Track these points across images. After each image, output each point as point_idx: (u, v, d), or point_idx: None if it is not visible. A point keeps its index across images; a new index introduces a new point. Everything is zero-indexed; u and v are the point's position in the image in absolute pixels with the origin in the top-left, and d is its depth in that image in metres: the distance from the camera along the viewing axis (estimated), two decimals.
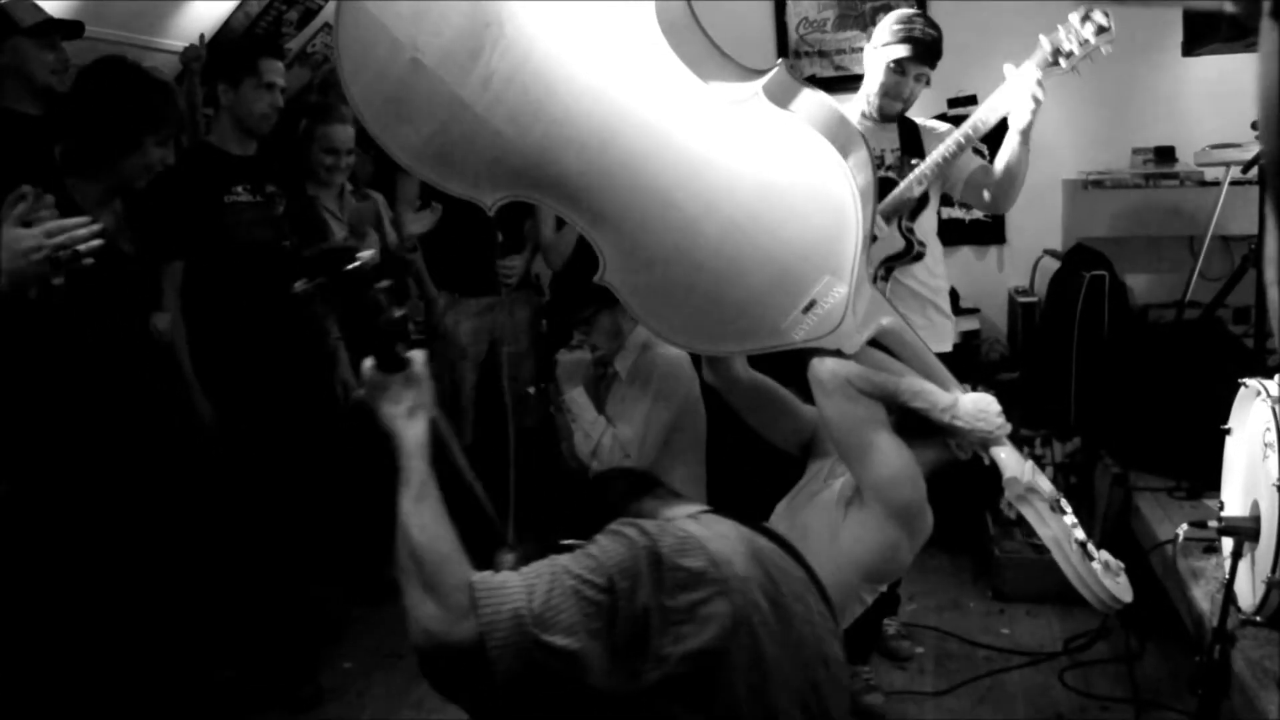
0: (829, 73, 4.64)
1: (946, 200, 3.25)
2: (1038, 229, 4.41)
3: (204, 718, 2.95)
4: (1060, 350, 3.83)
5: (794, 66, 2.89)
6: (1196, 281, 3.76)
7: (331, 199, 3.49)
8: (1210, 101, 4.19)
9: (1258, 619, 2.29)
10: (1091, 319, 3.76)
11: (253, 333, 2.96)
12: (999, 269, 4.65)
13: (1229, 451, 2.55)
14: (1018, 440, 2.15)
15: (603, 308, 2.71)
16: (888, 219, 2.81)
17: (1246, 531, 2.28)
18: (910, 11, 2.95)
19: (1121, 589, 2.01)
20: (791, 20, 4.71)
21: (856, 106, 2.92)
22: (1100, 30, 2.51)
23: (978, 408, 2.07)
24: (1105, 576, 1.99)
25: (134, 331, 2.67)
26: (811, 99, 2.04)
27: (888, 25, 2.86)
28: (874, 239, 2.76)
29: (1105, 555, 2.05)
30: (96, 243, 2.00)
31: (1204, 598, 2.48)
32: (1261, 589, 2.25)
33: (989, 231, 4.56)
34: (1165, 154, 4.23)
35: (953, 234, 4.54)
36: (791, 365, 2.48)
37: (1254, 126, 3.10)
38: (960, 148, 2.72)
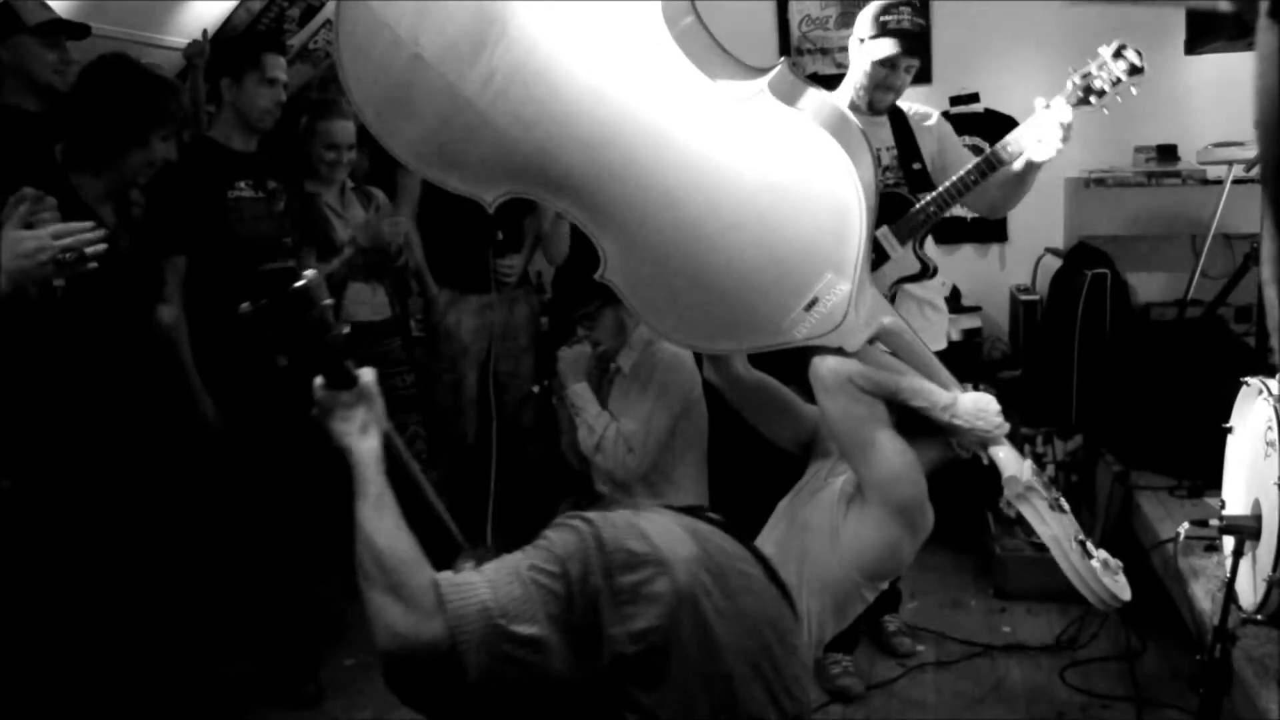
0: (831, 70, 4.63)
1: None
2: (1039, 227, 4.40)
3: (206, 714, 2.95)
4: (1062, 348, 3.83)
5: (796, 64, 2.89)
6: (1198, 280, 3.77)
7: (333, 195, 3.49)
8: (1213, 100, 4.19)
9: (1259, 617, 2.29)
10: (1093, 317, 3.76)
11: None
12: (1001, 267, 4.65)
13: (1230, 450, 2.55)
14: (1019, 438, 2.16)
15: (607, 304, 2.71)
16: (902, 240, 2.79)
17: (1248, 530, 2.28)
18: (898, 2, 2.80)
19: (1120, 587, 2.02)
20: (794, 18, 4.71)
21: (844, 97, 2.87)
22: (1133, 70, 2.50)
23: (977, 407, 2.07)
24: (1104, 575, 1.99)
25: (135, 328, 2.67)
26: (815, 97, 2.04)
27: (872, 17, 2.79)
28: (886, 258, 2.76)
29: (1104, 554, 2.05)
30: (101, 247, 2.00)
31: (1205, 596, 2.48)
32: (1263, 587, 2.25)
33: (991, 229, 4.56)
34: (1167, 152, 4.23)
35: (954, 232, 4.55)
36: (792, 364, 2.48)
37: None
38: (982, 175, 2.67)
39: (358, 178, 3.67)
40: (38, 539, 2.34)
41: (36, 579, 2.34)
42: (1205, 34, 3.69)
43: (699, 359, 2.59)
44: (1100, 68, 2.51)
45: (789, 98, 1.96)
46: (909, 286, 2.92)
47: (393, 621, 1.34)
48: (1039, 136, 2.54)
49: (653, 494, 2.74)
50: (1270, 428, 2.27)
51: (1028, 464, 2.08)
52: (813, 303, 2.00)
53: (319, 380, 1.55)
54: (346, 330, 1.54)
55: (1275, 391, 2.30)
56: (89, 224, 2.03)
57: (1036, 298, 4.26)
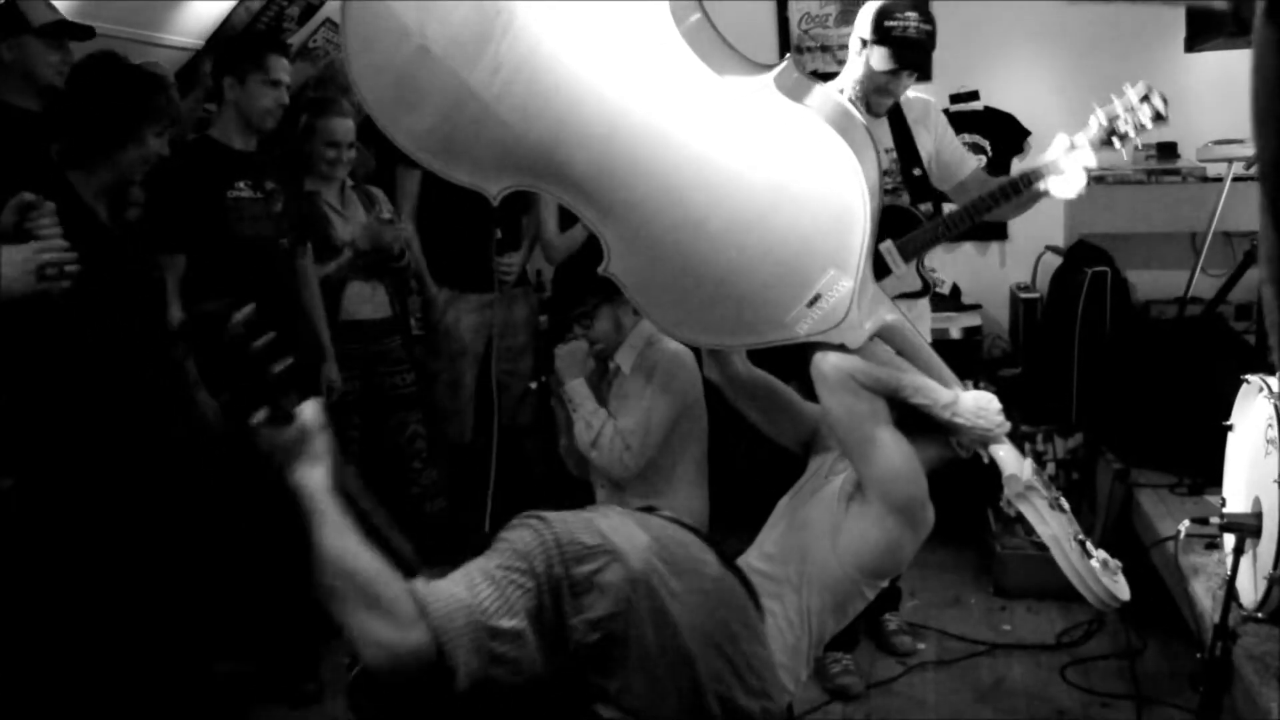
0: (832, 68, 4.62)
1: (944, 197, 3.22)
2: (1039, 225, 4.39)
3: (206, 713, 2.95)
4: (1062, 346, 3.82)
5: (798, 62, 2.85)
6: (1199, 278, 3.77)
7: (333, 194, 3.49)
8: (1213, 97, 4.18)
9: (1259, 615, 2.29)
10: (1093, 315, 3.76)
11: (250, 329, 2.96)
12: (1001, 265, 4.64)
13: (1231, 448, 2.55)
14: (1019, 436, 2.15)
15: (604, 301, 2.71)
16: (906, 257, 2.78)
17: (1248, 528, 2.28)
18: (903, 4, 2.68)
19: (1119, 587, 2.02)
20: (793, 16, 4.70)
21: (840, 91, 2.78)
22: (1157, 117, 2.50)
23: (978, 405, 2.07)
24: (1104, 575, 1.99)
25: (135, 328, 2.67)
26: (820, 93, 2.04)
27: (875, 19, 2.67)
28: (888, 273, 2.76)
29: (1103, 554, 2.05)
30: (74, 268, 2.02)
31: (1205, 594, 2.48)
32: (1263, 585, 2.25)
33: (991, 227, 4.55)
34: (1167, 150, 4.22)
35: None
36: (791, 361, 2.48)
37: None
38: (995, 202, 2.66)
39: (360, 177, 3.67)
40: (39, 537, 2.34)
41: (37, 577, 2.34)
42: (1205, 31, 3.68)
43: (699, 357, 2.58)
44: (1127, 110, 2.52)
45: (795, 94, 1.96)
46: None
47: (377, 635, 1.35)
48: (1064, 175, 2.55)
49: (652, 493, 2.74)
50: (1270, 425, 2.27)
51: (1028, 463, 2.08)
52: (815, 299, 2.00)
53: (260, 415, 1.54)
54: (285, 367, 1.54)
55: (1275, 389, 2.30)
56: (64, 244, 2.04)
57: (1037, 295, 4.25)
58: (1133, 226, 4.14)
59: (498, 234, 3.71)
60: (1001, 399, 2.13)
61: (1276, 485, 2.20)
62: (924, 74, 2.72)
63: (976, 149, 4.65)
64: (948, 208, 2.98)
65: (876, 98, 2.77)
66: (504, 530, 1.47)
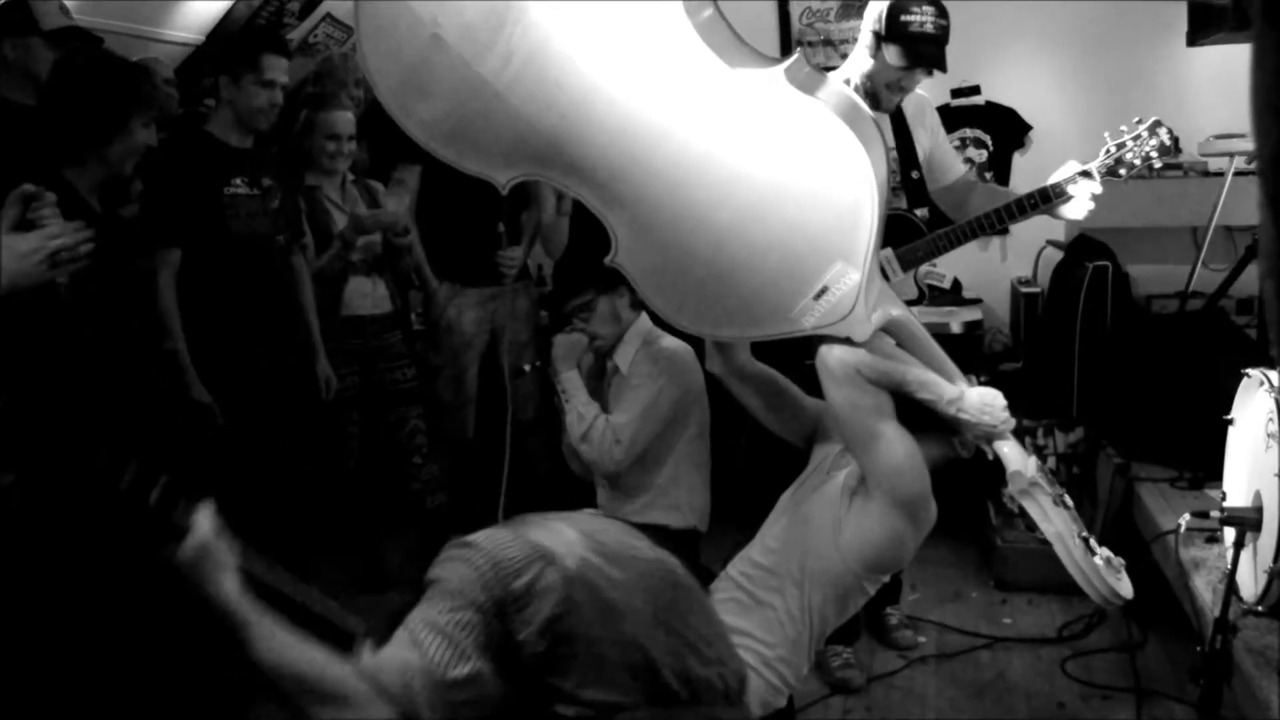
0: (835, 62, 4.63)
1: None
2: (1040, 219, 4.34)
3: (207, 712, 2.96)
4: (1063, 341, 3.82)
5: (807, 55, 2.81)
6: (1200, 272, 3.77)
7: (334, 189, 3.49)
8: (1214, 92, 4.18)
9: (1259, 609, 2.29)
10: (1094, 309, 3.75)
11: (248, 325, 2.97)
12: (1002, 259, 4.64)
13: (1231, 442, 2.55)
14: (1020, 431, 2.15)
15: (601, 293, 2.71)
16: (905, 267, 2.77)
17: (1249, 522, 2.29)
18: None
19: (1123, 585, 2.02)
20: (795, 11, 4.70)
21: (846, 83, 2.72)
22: (1164, 150, 2.55)
23: (983, 402, 2.07)
24: (1107, 572, 1.99)
25: (136, 326, 2.67)
26: (830, 87, 2.04)
27: (890, 13, 2.60)
28: (885, 280, 2.75)
29: (1107, 551, 2.05)
30: (88, 247, 2.00)
31: (1206, 588, 2.48)
32: (1263, 579, 2.25)
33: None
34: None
35: None
36: (792, 356, 2.48)
37: None
38: (1000, 220, 2.67)
39: (358, 171, 3.68)
40: (38, 534, 2.34)
41: (37, 575, 2.34)
42: (1207, 26, 3.68)
43: (700, 352, 2.58)
44: (1136, 141, 2.57)
45: (805, 87, 1.96)
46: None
47: None
48: (1073, 200, 2.60)
49: (651, 488, 2.75)
50: (1271, 419, 2.27)
51: (1032, 460, 2.07)
52: (822, 292, 2.00)
53: (161, 548, 1.56)
54: (159, 490, 1.54)
55: (1276, 383, 2.30)
56: (78, 223, 2.03)
57: (1038, 290, 4.25)
58: (1134, 221, 4.13)
59: (500, 227, 3.71)
60: (1002, 393, 2.13)
61: (1277, 479, 2.20)
62: (940, 68, 2.67)
63: (978, 143, 4.66)
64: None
65: (888, 93, 2.72)
66: (434, 568, 1.48)
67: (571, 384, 2.73)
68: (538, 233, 3.87)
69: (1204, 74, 4.25)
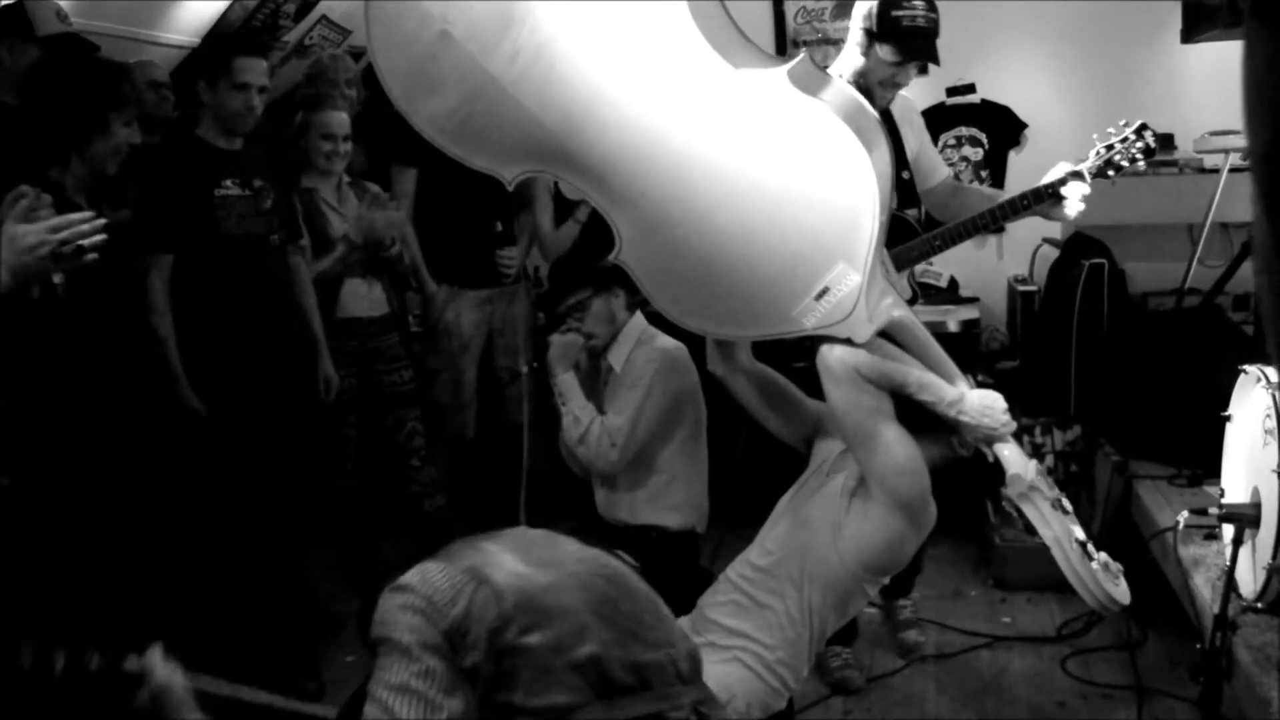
0: (834, 60, 4.62)
1: None
2: (1037, 217, 4.40)
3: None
4: (1060, 339, 3.83)
5: (811, 55, 2.75)
6: (1196, 269, 3.77)
7: (330, 190, 3.49)
8: (1209, 88, 4.18)
9: (1259, 605, 2.29)
10: (1091, 307, 3.76)
11: (243, 326, 2.97)
12: (998, 258, 4.65)
13: (1229, 438, 2.55)
14: (1017, 429, 2.15)
15: (596, 293, 2.71)
16: (899, 267, 2.76)
17: (1247, 518, 2.28)
18: None
19: (1120, 591, 2.01)
20: (790, 10, 4.70)
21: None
22: (1148, 152, 2.62)
23: (984, 404, 2.06)
24: (1104, 578, 1.98)
25: (132, 325, 2.67)
26: (834, 87, 2.04)
27: (882, 10, 2.60)
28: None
29: (1104, 557, 2.04)
30: (100, 237, 2.00)
31: (1205, 585, 2.48)
32: (1262, 575, 2.25)
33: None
34: (1164, 141, 4.21)
35: None
36: (784, 358, 2.48)
37: None
38: (994, 219, 2.67)
39: (354, 172, 3.67)
40: (36, 535, 2.34)
41: (34, 575, 2.34)
42: (1201, 22, 3.68)
43: (699, 352, 2.58)
44: (1124, 144, 2.62)
45: (808, 87, 1.96)
46: None
47: None
48: (1064, 201, 2.63)
49: (646, 488, 2.74)
50: (1269, 416, 2.27)
51: (1032, 463, 2.07)
52: (823, 292, 2.00)
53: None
54: (98, 664, 1.53)
55: (1273, 379, 2.30)
56: (87, 214, 2.02)
57: (1034, 288, 4.26)
58: (1130, 218, 4.13)
59: (498, 227, 3.71)
60: (1000, 391, 2.12)
61: (1275, 475, 2.20)
62: (933, 61, 2.66)
63: (974, 142, 4.66)
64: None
65: (881, 90, 2.70)
66: (376, 626, 1.48)
67: (568, 386, 2.73)
68: (535, 235, 3.87)
69: (1199, 71, 4.25)
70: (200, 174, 2.95)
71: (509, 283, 3.80)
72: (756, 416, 2.43)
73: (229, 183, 2.98)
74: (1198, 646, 2.26)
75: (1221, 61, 3.98)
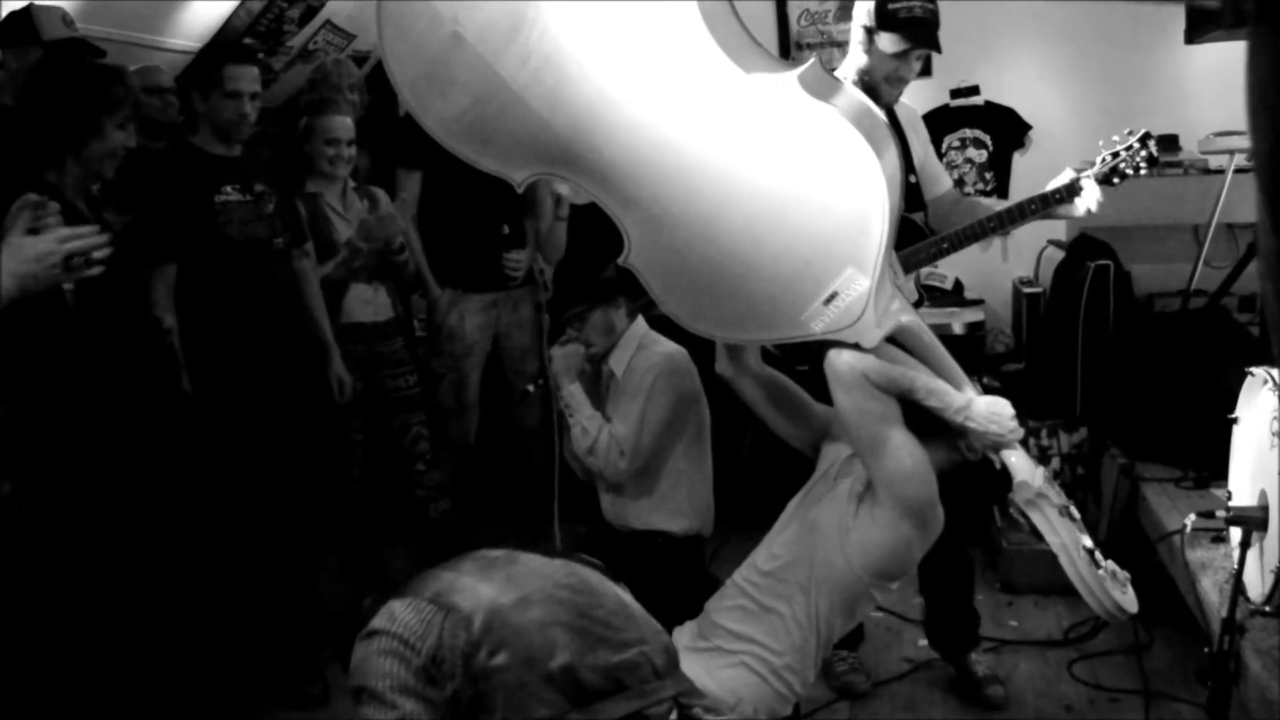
0: (839, 63, 4.62)
1: None
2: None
3: (212, 715, 2.95)
4: (1065, 341, 3.82)
5: (822, 60, 2.73)
6: (1201, 270, 3.76)
7: (334, 195, 3.49)
8: (1213, 89, 4.18)
9: (1267, 609, 2.28)
10: (1096, 309, 3.75)
11: (248, 331, 2.97)
12: (1003, 259, 4.63)
13: (1236, 441, 2.54)
14: (1024, 432, 2.14)
15: (596, 304, 2.71)
16: (907, 270, 2.75)
17: (1255, 521, 2.28)
18: None
19: (1127, 599, 2.00)
20: (793, 13, 4.70)
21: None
22: (1151, 161, 2.65)
23: (991, 410, 2.06)
24: (1112, 586, 1.98)
25: (135, 329, 2.67)
26: (844, 92, 2.03)
27: (879, 4, 2.61)
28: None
29: (1112, 564, 2.03)
30: (107, 251, 2.00)
31: (1212, 588, 2.47)
32: (1270, 579, 2.25)
33: None
34: (1168, 142, 4.21)
35: None
36: (787, 362, 2.48)
37: None
38: (1001, 224, 2.67)
39: (358, 178, 3.68)
40: (40, 541, 2.34)
41: (39, 581, 2.34)
42: (1205, 23, 3.67)
43: (702, 355, 2.58)
44: (1129, 151, 2.65)
45: (818, 91, 1.96)
46: None
47: None
48: (1071, 205, 2.65)
49: (651, 493, 2.74)
50: (1275, 418, 2.26)
51: (1040, 470, 2.06)
52: (832, 297, 2.00)
53: None
54: None
55: None
56: (94, 227, 2.03)
57: (1039, 290, 4.25)
58: (1135, 219, 4.12)
59: (505, 230, 3.71)
60: (1005, 394, 2.12)
61: None
62: (923, 69, 2.68)
63: (978, 143, 4.65)
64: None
65: (887, 86, 2.70)
66: (353, 676, 1.53)
67: (574, 398, 2.73)
68: (536, 237, 3.87)
69: (1203, 71, 4.25)
70: (199, 181, 2.95)
71: (516, 286, 3.80)
72: (764, 420, 2.42)
73: (229, 188, 2.98)
74: (1205, 650, 2.25)
75: (1225, 62, 3.98)
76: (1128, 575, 2.05)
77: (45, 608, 2.35)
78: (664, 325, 2.46)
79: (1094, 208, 2.62)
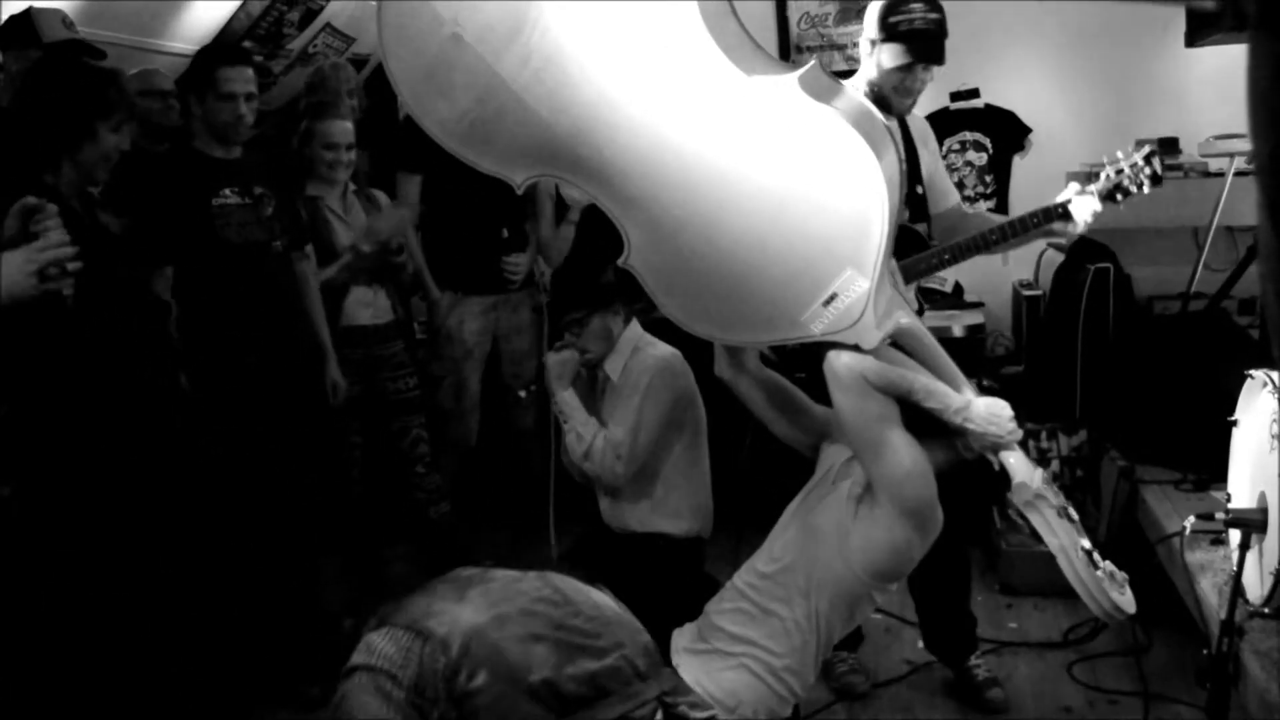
0: (841, 66, 4.64)
1: None
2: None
3: (212, 714, 2.95)
4: (1065, 343, 3.82)
5: (822, 62, 2.72)
6: (1201, 273, 3.76)
7: (335, 198, 3.49)
8: (1214, 92, 4.18)
9: (1266, 611, 2.28)
10: (1096, 312, 3.75)
11: (247, 333, 2.98)
12: (1003, 262, 4.61)
13: (1236, 443, 2.55)
14: (1023, 434, 2.15)
15: (594, 311, 2.71)
16: (908, 279, 2.76)
17: (1254, 523, 2.28)
18: None
19: (1125, 600, 2.01)
20: (793, 16, 4.71)
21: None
22: (1155, 180, 2.66)
23: (990, 412, 2.06)
24: (1110, 587, 1.98)
25: (134, 328, 2.67)
26: (844, 94, 2.04)
27: (880, 17, 2.60)
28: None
29: (1110, 565, 2.04)
30: (75, 265, 2.01)
31: (1211, 590, 2.47)
32: (1269, 581, 2.25)
33: None
34: (1169, 145, 4.21)
35: None
36: (786, 368, 2.48)
37: None
38: (1005, 237, 2.68)
39: (359, 181, 3.68)
40: (39, 542, 2.34)
41: (39, 582, 2.34)
42: (1205, 26, 3.68)
43: (698, 357, 2.58)
44: (1133, 169, 2.65)
45: (818, 94, 1.96)
46: None
47: None
48: (1074, 220, 2.66)
49: (648, 496, 2.74)
50: (1275, 421, 2.26)
51: (1038, 472, 2.06)
52: (831, 298, 2.00)
53: None
54: None
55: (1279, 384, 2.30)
56: (65, 240, 2.03)
57: (1039, 293, 4.25)
58: (1135, 222, 4.10)
59: (505, 233, 3.71)
60: (1005, 397, 2.12)
61: None
62: (936, 62, 2.65)
63: (978, 146, 4.66)
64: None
65: (896, 97, 2.70)
66: (336, 714, 1.54)
67: (568, 404, 2.73)
68: (538, 240, 3.88)
69: (1203, 74, 4.25)
70: (196, 185, 2.95)
71: (515, 289, 3.80)
72: (764, 421, 2.43)
73: (227, 191, 2.98)
74: (1204, 652, 2.25)
75: (1225, 65, 3.98)
76: (1125, 576, 2.05)
77: (45, 608, 2.35)
78: (667, 326, 2.46)
79: (1089, 218, 2.63)
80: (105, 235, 2.63)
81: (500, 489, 4.02)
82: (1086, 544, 2.01)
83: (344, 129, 3.43)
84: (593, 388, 2.84)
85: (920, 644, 3.19)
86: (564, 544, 3.04)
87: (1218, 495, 2.79)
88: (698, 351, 2.51)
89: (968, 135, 4.65)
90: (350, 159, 3.46)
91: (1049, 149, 4.54)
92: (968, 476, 2.18)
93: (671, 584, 2.60)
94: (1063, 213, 2.64)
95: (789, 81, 1.94)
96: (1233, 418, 2.54)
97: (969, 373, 2.19)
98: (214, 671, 3.06)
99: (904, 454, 2.03)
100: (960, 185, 4.61)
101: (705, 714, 1.73)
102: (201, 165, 2.99)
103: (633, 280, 2.10)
